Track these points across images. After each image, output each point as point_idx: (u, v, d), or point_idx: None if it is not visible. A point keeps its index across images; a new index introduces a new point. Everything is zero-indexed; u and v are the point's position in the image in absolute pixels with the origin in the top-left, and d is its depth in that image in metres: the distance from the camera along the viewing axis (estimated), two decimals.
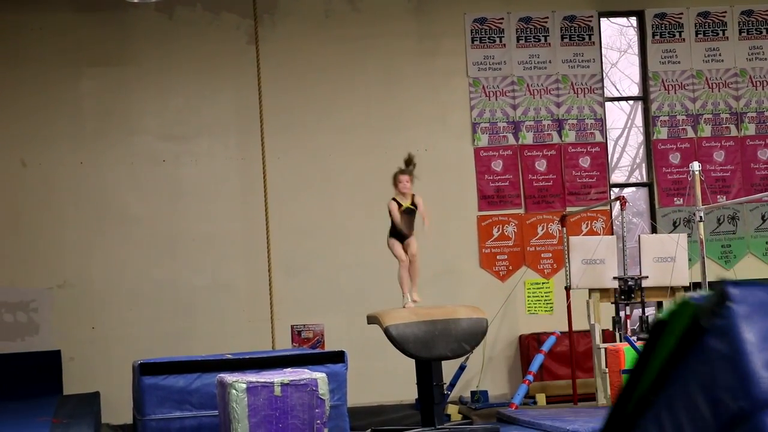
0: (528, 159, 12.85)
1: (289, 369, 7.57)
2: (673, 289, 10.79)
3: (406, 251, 9.60)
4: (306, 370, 7.41)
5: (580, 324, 11.51)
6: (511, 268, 12.69)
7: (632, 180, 14.55)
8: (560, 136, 12.92)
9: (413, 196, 9.57)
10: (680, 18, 13.21)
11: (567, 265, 11.18)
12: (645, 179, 13.45)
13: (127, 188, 12.12)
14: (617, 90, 15.21)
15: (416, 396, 10.22)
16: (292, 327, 12.13)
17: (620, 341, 10.44)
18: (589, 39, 13.04)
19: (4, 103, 11.94)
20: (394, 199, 9.59)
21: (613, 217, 12.97)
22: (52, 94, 12.02)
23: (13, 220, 11.89)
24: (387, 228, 12.42)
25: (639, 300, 10.67)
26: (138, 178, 12.15)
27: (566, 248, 11.24)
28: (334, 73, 12.51)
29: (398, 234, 9.64)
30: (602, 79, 13.09)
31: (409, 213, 9.60)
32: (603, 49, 13.24)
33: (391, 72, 12.64)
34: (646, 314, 10.85)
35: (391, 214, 9.54)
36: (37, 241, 11.87)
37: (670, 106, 13.14)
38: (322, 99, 12.48)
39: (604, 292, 10.79)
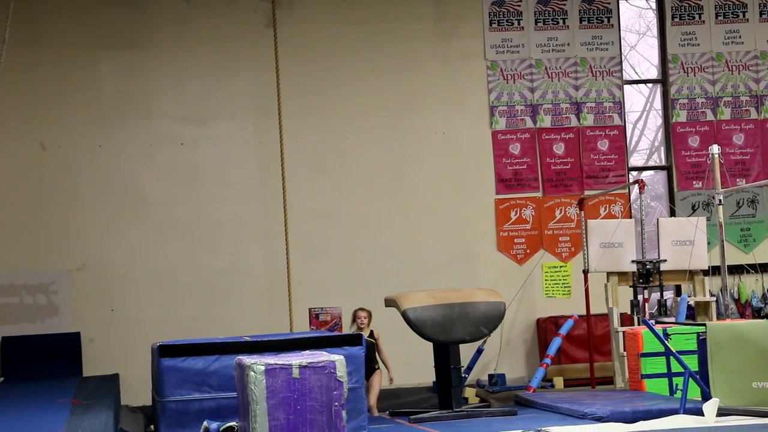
0: (546, 142, 12.82)
1: (307, 351, 7.59)
2: (691, 273, 10.76)
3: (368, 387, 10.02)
4: (324, 352, 7.42)
5: (598, 307, 11.50)
6: (528, 251, 12.67)
7: (651, 163, 14.49)
8: (578, 119, 12.88)
9: (372, 331, 10.23)
10: (700, 0, 13.12)
11: (585, 248, 11.16)
12: (664, 162, 13.40)
13: (145, 171, 12.15)
14: (636, 73, 15.13)
15: (434, 379, 10.24)
16: (309, 310, 12.15)
17: (638, 325, 10.43)
18: (608, 21, 12.98)
19: (23, 86, 11.96)
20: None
21: (632, 201, 12.94)
22: (70, 78, 12.05)
23: (33, 203, 11.94)
24: (403, 211, 12.48)
25: (657, 283, 10.65)
26: (156, 161, 12.17)
27: (584, 231, 11.22)
28: (351, 56, 12.50)
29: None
30: (621, 62, 13.03)
31: (368, 345, 10.01)
32: (622, 32, 13.17)
33: (409, 55, 12.61)
34: (665, 298, 10.84)
35: None
36: (56, 224, 11.92)
37: (689, 89, 13.07)
38: (339, 82, 12.46)
39: (622, 275, 10.78)
